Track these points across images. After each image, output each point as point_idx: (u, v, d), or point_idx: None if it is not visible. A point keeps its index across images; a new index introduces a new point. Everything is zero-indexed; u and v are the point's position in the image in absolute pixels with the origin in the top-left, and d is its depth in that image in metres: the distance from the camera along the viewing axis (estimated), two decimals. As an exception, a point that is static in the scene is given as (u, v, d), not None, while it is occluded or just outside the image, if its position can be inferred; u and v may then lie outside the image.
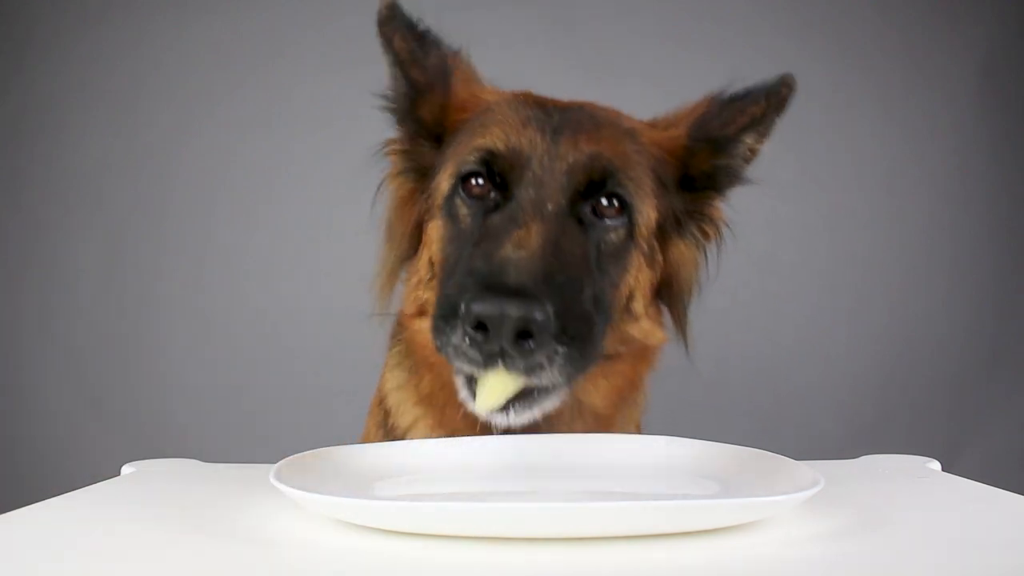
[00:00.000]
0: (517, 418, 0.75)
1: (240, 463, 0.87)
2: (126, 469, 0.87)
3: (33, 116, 2.10)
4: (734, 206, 2.05)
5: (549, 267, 0.72)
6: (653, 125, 0.95)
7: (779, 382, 2.13)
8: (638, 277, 0.87)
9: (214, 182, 2.11)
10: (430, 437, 0.94)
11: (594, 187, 0.83)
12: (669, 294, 0.94)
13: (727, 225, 0.97)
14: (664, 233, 0.90)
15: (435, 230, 0.88)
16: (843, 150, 2.15)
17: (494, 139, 0.84)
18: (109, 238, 2.11)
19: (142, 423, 2.07)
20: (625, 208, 0.85)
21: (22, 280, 2.10)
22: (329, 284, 2.08)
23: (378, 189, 0.96)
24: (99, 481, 0.80)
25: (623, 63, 2.08)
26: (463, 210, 0.84)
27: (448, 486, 0.71)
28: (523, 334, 0.67)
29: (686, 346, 0.95)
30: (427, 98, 0.91)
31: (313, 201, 2.11)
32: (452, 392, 0.82)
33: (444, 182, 0.88)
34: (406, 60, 0.91)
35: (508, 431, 0.78)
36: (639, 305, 0.88)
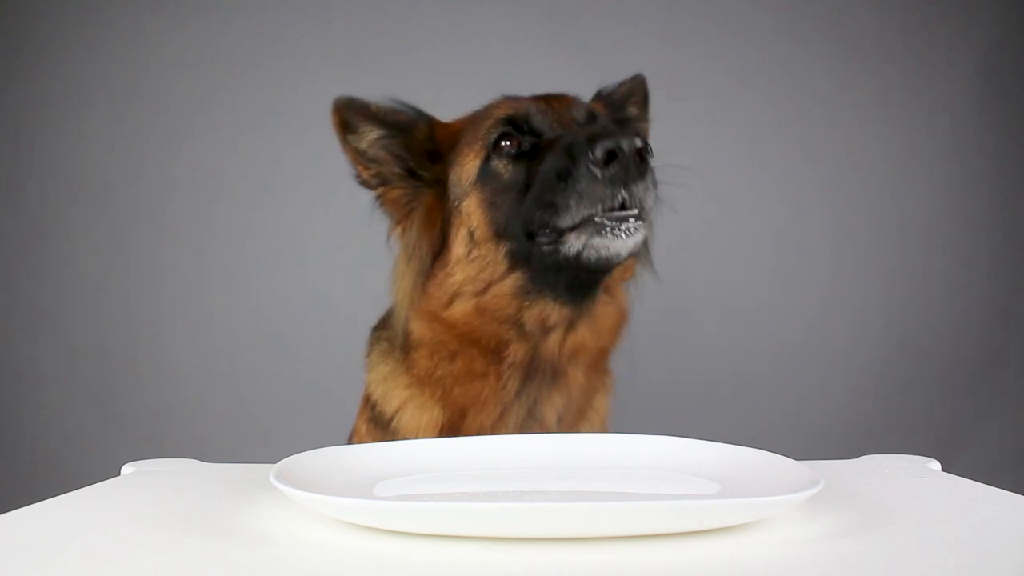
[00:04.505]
0: (628, 240, 0.91)
1: (240, 463, 0.87)
2: (126, 469, 0.87)
3: (32, 115, 2.10)
4: (738, 208, 2.06)
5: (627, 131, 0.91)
6: None
7: (779, 382, 2.13)
8: None
9: (214, 182, 2.11)
10: (417, 417, 1.07)
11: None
12: None
13: None
14: None
15: (471, 204, 1.03)
16: (843, 150, 2.16)
17: (506, 110, 1.02)
18: (109, 238, 2.11)
19: (142, 423, 2.07)
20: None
21: (22, 280, 2.10)
22: (329, 284, 2.09)
23: (389, 235, 1.12)
24: (99, 481, 0.80)
25: (623, 63, 2.08)
26: (502, 165, 1.01)
27: (448, 486, 0.71)
28: (640, 156, 0.87)
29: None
30: (415, 130, 1.09)
31: (314, 201, 2.11)
32: (459, 367, 1.03)
33: (469, 169, 1.04)
34: (388, 111, 1.09)
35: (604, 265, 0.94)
36: None
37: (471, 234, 1.03)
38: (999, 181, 2.17)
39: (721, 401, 2.09)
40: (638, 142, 0.87)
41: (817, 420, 2.09)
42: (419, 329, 1.07)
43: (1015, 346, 2.17)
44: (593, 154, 0.87)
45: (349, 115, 1.08)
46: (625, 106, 1.22)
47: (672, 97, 2.19)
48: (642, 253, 1.14)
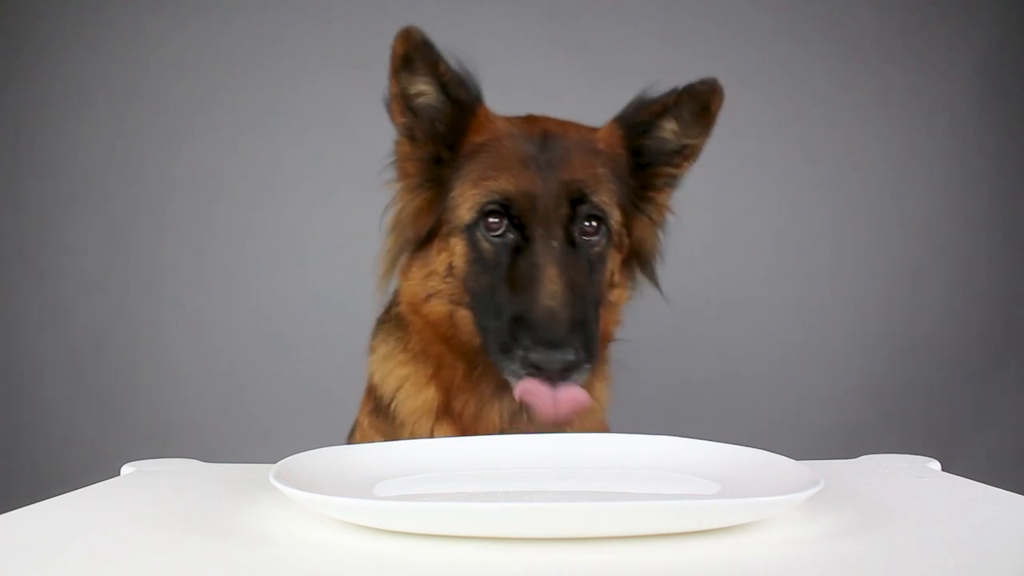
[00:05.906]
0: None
1: (240, 463, 0.87)
2: (126, 469, 0.87)
3: (32, 115, 2.10)
4: (738, 208, 2.06)
5: (573, 311, 0.92)
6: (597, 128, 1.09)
7: (779, 382, 2.13)
8: (614, 262, 1.07)
9: (214, 182, 2.11)
10: (416, 397, 1.08)
11: (576, 209, 0.99)
12: (638, 260, 1.13)
13: (671, 210, 1.15)
14: (627, 217, 1.07)
15: (457, 247, 1.02)
16: (843, 150, 2.16)
17: (507, 183, 0.98)
18: (109, 238, 2.11)
19: (142, 423, 2.07)
20: (602, 222, 1.02)
21: (22, 280, 2.10)
22: (329, 284, 2.09)
23: (391, 202, 1.08)
24: (99, 481, 0.80)
25: (623, 63, 2.08)
26: (485, 244, 1.00)
27: (448, 486, 0.71)
28: (565, 368, 0.89)
29: (660, 291, 1.15)
30: (463, 117, 1.03)
31: (313, 201, 2.11)
32: (450, 352, 1.05)
33: (464, 210, 1.01)
34: (452, 80, 1.02)
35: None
36: (615, 278, 1.09)
37: (451, 265, 1.03)
38: (999, 181, 2.17)
39: (721, 401, 2.09)
40: (574, 357, 0.88)
41: (817, 420, 2.09)
42: (405, 311, 1.09)
43: (1015, 346, 2.17)
44: (523, 362, 0.90)
45: (415, 55, 1.00)
46: (657, 124, 1.10)
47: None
48: (646, 274, 1.14)
